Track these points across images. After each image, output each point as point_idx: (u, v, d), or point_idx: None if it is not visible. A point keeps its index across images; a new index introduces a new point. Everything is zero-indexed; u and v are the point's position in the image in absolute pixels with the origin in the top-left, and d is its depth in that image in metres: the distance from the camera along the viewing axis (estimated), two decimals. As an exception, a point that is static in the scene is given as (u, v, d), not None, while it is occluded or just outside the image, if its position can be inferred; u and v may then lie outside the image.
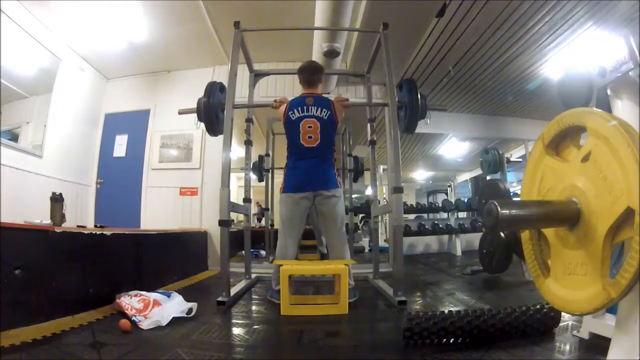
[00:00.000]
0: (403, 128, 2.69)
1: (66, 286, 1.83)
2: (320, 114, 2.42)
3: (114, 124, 4.64)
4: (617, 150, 0.81)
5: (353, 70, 3.76)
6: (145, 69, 4.61)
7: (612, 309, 1.12)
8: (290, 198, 2.41)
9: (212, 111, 2.64)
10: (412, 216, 6.76)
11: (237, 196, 4.65)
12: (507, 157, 3.98)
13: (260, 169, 4.88)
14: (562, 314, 1.62)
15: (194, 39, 4.02)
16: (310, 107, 2.43)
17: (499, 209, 0.89)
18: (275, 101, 2.56)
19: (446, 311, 1.53)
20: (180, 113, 2.80)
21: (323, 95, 2.57)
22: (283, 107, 2.49)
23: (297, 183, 2.41)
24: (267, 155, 4.76)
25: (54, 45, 3.78)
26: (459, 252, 5.52)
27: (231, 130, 2.47)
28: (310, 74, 2.54)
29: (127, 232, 2.55)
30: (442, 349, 1.44)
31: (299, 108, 2.44)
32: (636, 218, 0.75)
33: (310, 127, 2.41)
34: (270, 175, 4.84)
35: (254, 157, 4.67)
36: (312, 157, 2.41)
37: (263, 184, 4.88)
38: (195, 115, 2.68)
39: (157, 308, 1.84)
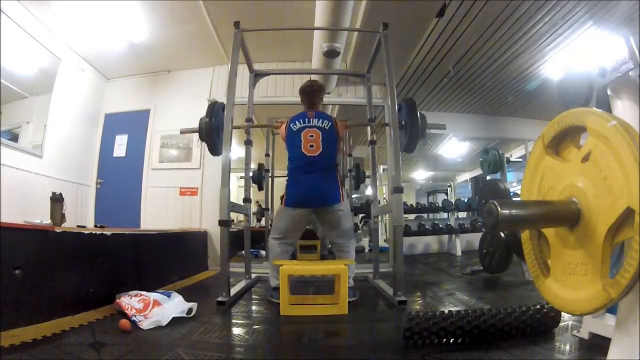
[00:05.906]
0: (403, 147, 2.67)
1: (66, 286, 1.83)
2: (322, 124, 2.46)
3: (114, 124, 4.63)
4: (617, 150, 0.81)
5: (353, 70, 3.75)
6: (145, 69, 4.61)
7: (612, 309, 1.11)
8: (290, 212, 2.42)
9: (214, 131, 2.61)
10: (412, 216, 6.76)
11: (237, 196, 4.65)
12: (507, 157, 3.96)
13: (260, 177, 4.85)
14: (562, 314, 1.62)
15: (194, 39, 4.01)
16: (311, 119, 2.48)
17: (499, 209, 0.89)
18: (276, 121, 2.61)
19: (446, 311, 1.53)
20: (182, 132, 2.81)
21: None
22: (284, 125, 2.53)
23: (298, 198, 2.40)
24: (267, 155, 4.76)
25: (54, 45, 3.78)
26: (459, 252, 5.52)
27: (231, 130, 2.47)
28: (312, 95, 2.59)
29: (127, 232, 2.55)
30: (442, 349, 1.44)
31: (301, 120, 2.49)
32: (636, 218, 0.75)
33: (312, 136, 2.43)
34: (270, 174, 4.84)
35: (254, 158, 4.67)
36: (314, 170, 2.38)
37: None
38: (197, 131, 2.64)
39: (157, 308, 1.84)
